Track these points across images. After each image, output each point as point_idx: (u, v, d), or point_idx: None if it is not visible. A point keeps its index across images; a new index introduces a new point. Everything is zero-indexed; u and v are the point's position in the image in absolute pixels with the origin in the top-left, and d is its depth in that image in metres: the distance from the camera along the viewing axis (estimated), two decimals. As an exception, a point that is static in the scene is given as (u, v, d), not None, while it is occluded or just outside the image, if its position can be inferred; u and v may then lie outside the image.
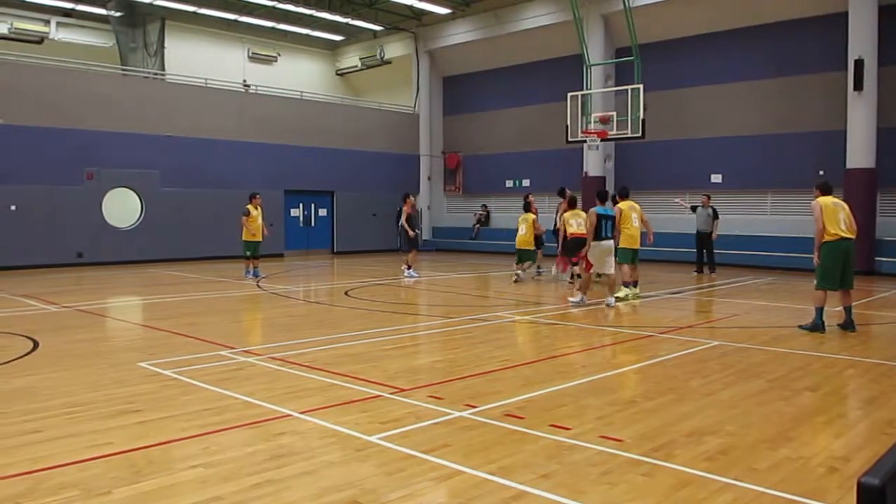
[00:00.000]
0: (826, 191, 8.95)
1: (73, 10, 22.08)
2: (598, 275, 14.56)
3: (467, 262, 20.75)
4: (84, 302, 11.84)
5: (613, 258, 11.64)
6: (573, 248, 13.47)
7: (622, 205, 12.47)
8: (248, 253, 15.66)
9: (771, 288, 14.32)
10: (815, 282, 8.93)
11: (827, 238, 8.63)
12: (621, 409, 5.45)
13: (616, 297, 11.75)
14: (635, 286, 12.55)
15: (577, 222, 13.53)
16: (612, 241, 11.57)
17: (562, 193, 14.76)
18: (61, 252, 18.36)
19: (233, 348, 7.76)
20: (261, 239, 15.63)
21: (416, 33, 26.35)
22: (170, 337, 8.56)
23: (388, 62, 27.53)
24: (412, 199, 16.37)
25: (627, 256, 12.28)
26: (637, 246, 12.47)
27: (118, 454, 4.35)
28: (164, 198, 20.17)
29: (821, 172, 18.29)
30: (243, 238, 15.54)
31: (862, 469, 3.68)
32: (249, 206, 15.43)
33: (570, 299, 11.63)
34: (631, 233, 12.27)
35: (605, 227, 11.40)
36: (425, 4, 23.36)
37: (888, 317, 10.76)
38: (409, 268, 16.01)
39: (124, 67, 21.83)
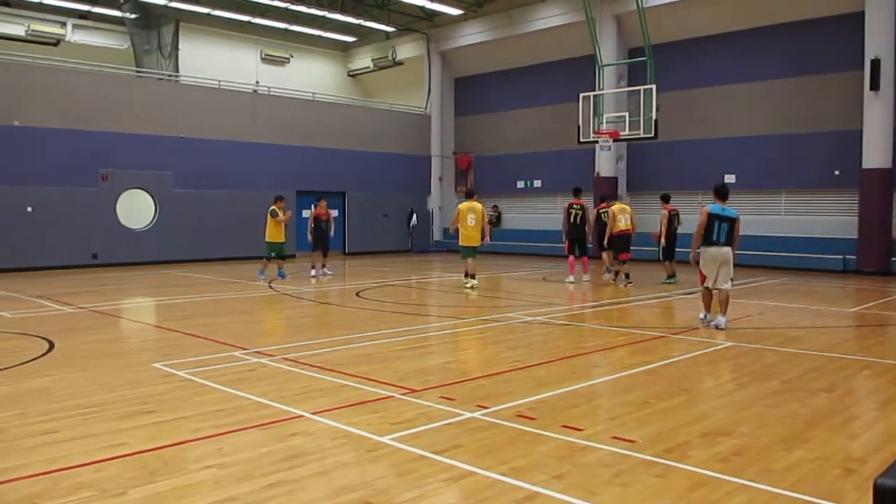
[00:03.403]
0: None
1: (88, 12, 22.30)
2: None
3: (478, 263, 20.65)
4: (99, 303, 11.93)
5: (730, 270, 9.09)
6: (620, 245, 14.30)
7: (461, 206, 13.86)
8: (273, 254, 15.47)
9: (785, 288, 14.21)
10: None
11: None
12: (634, 409, 5.42)
13: (467, 286, 13.13)
14: (473, 278, 13.93)
15: (624, 218, 14.25)
16: (727, 249, 8.99)
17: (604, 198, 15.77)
18: (76, 253, 18.50)
19: (246, 349, 7.80)
20: (283, 240, 15.56)
21: (428, 34, 26.37)
22: (183, 338, 8.61)
23: (400, 63, 27.58)
24: (324, 202, 16.51)
25: (468, 252, 13.94)
26: (475, 244, 13.95)
27: (133, 455, 4.38)
28: (178, 199, 20.29)
29: (836, 172, 18.17)
30: (267, 239, 15.36)
31: (878, 470, 3.64)
32: (275, 208, 15.32)
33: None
34: (467, 233, 13.86)
35: (717, 229, 8.94)
36: (437, 5, 23.37)
37: (905, 318, 10.66)
38: (312, 267, 16.63)
39: (139, 69, 22.03)
